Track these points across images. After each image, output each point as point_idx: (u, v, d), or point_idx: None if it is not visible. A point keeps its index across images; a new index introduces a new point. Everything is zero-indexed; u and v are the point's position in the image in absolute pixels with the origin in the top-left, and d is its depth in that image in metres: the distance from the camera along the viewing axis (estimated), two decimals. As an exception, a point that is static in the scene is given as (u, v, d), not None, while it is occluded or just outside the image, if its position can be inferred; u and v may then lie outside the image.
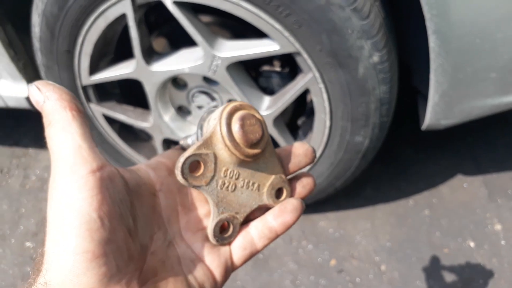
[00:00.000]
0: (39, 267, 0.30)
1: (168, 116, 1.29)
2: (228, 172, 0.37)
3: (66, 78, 1.22)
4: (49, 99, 0.33)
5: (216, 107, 0.42)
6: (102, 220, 0.30)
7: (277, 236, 0.40)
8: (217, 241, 0.38)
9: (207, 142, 0.36)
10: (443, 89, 1.03)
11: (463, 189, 1.52)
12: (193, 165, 0.36)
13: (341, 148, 1.17)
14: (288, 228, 0.40)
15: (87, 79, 1.20)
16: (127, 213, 0.33)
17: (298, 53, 0.99)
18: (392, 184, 1.57)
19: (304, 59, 1.00)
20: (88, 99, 1.28)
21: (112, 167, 0.34)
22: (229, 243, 0.39)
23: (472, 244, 1.35)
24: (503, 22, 0.91)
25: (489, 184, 1.52)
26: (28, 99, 1.36)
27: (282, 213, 0.39)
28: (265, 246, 0.40)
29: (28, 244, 1.59)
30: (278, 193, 0.40)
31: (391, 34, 1.01)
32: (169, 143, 1.40)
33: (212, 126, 0.37)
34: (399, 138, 1.68)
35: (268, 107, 1.15)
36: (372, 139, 1.14)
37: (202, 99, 1.24)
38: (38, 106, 0.33)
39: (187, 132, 1.31)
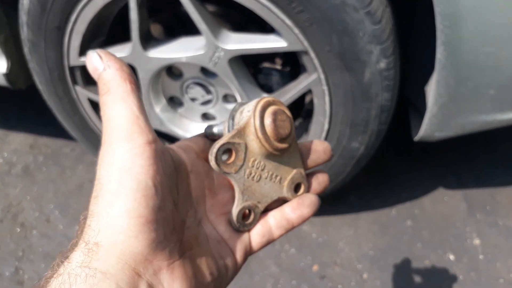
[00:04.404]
0: (83, 229, 0.31)
1: (159, 106, 1.23)
2: (256, 162, 0.39)
3: (53, 57, 1.14)
4: (110, 68, 0.34)
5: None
6: (156, 188, 0.31)
7: (293, 227, 0.42)
8: (239, 227, 0.40)
9: (240, 132, 0.37)
10: (443, 102, 1.03)
11: (443, 202, 1.54)
12: (225, 153, 0.38)
13: (336, 152, 1.15)
14: (304, 221, 0.42)
15: (76, 59, 1.13)
16: (174, 186, 0.35)
17: (306, 52, 0.96)
18: (376, 192, 1.57)
19: (311, 59, 0.97)
20: (75, 82, 1.21)
21: (162, 143, 0.35)
22: (249, 230, 0.41)
23: (452, 257, 1.37)
24: (510, 41, 0.92)
25: (469, 199, 1.54)
26: (6, 75, 1.26)
27: (300, 206, 0.41)
28: (281, 236, 0.42)
29: (-9, 231, 1.49)
30: (296, 187, 0.43)
31: (397, 43, 1.00)
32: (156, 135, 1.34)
33: (246, 117, 0.38)
34: (385, 147, 1.68)
35: (266, 105, 1.11)
36: (368, 146, 1.13)
37: (196, 91, 1.19)
38: (95, 73, 0.35)
39: (177, 125, 1.26)
